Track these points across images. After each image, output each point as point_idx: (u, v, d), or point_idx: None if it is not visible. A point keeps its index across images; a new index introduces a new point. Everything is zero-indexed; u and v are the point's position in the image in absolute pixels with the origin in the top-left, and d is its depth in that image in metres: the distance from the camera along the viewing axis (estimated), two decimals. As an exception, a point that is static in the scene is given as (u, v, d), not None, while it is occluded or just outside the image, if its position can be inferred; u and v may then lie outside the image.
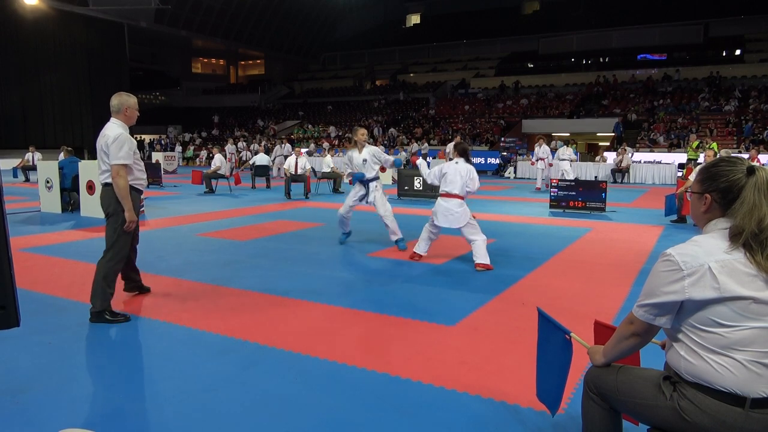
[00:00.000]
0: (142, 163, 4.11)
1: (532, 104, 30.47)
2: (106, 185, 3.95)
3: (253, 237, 7.42)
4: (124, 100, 3.97)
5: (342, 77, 42.72)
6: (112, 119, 4.00)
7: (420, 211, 10.41)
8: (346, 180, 6.63)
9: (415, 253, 5.93)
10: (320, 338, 3.58)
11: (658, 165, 19.41)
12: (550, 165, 15.77)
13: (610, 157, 15.04)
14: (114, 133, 3.88)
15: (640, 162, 19.67)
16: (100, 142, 3.93)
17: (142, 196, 4.20)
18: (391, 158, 6.73)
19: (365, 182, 6.49)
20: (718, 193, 1.61)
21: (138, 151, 4.09)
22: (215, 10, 36.24)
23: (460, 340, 3.55)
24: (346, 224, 6.77)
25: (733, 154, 2.08)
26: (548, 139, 15.45)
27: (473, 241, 5.60)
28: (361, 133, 6.55)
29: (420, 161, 6.32)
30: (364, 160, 6.49)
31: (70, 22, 28.15)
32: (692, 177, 1.93)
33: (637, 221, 9.17)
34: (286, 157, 16.78)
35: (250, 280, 5.04)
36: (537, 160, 15.62)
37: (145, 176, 4.12)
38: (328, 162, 15.04)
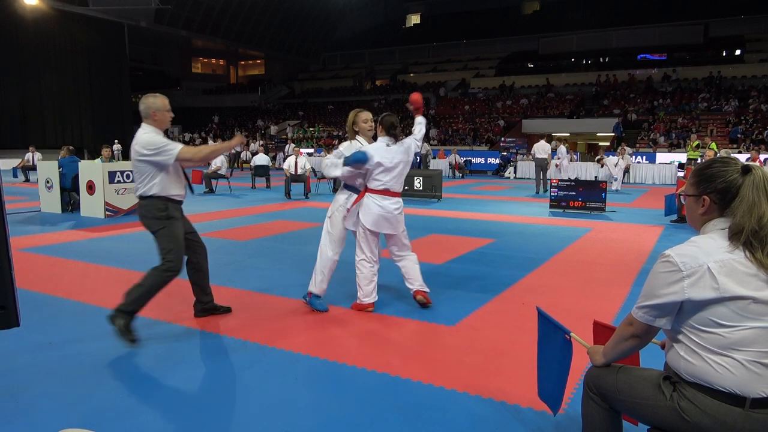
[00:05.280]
0: (179, 172, 3.67)
1: (532, 104, 30.47)
2: (140, 199, 3.59)
3: (253, 237, 7.42)
4: (150, 103, 3.53)
5: (342, 77, 42.72)
6: (142, 125, 3.57)
7: (421, 211, 10.41)
8: (329, 175, 4.22)
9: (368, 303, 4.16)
10: (320, 338, 3.58)
11: (658, 165, 19.42)
12: (556, 165, 15.80)
13: (611, 162, 15.01)
14: (145, 139, 3.47)
15: (637, 161, 19.67)
16: (132, 150, 3.53)
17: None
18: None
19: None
20: (716, 194, 1.61)
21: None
22: (215, 10, 36.23)
23: (460, 340, 3.55)
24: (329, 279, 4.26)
25: (731, 155, 2.08)
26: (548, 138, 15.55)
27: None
28: (363, 119, 4.27)
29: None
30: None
31: (70, 22, 28.17)
32: (690, 179, 1.90)
33: (637, 221, 9.17)
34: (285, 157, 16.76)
35: (250, 280, 5.04)
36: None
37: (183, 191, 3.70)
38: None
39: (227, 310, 4.11)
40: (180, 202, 3.68)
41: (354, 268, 4.20)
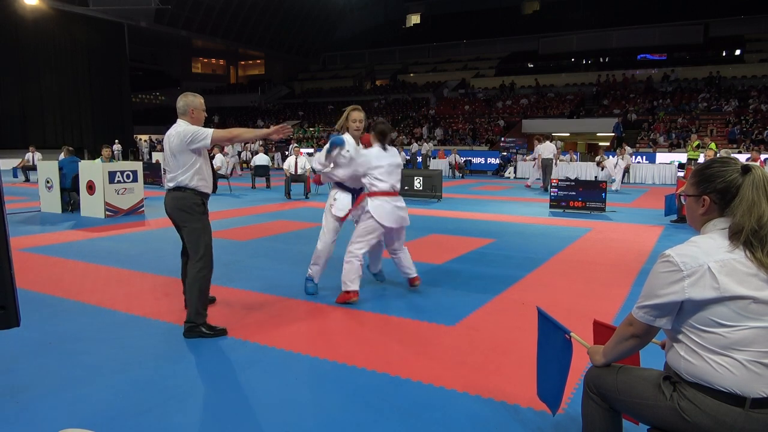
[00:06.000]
0: (209, 165, 3.84)
1: (532, 104, 30.48)
2: (173, 190, 3.67)
3: (253, 237, 7.42)
4: (189, 101, 3.71)
5: (342, 77, 42.73)
6: (179, 120, 3.72)
7: (421, 211, 10.41)
8: (315, 177, 4.74)
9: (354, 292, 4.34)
10: (320, 338, 3.58)
11: (658, 165, 19.43)
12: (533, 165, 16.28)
13: (610, 163, 15.10)
14: (179, 129, 3.63)
15: (637, 161, 19.68)
16: (169, 144, 3.65)
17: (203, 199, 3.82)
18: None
19: (354, 191, 4.57)
20: (716, 194, 1.61)
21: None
22: (215, 10, 36.25)
23: (460, 340, 3.55)
24: (325, 263, 4.62)
25: (731, 155, 2.08)
26: (545, 138, 15.98)
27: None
28: (353, 119, 4.47)
29: (316, 159, 4.59)
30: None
31: (70, 22, 28.19)
32: (690, 179, 1.92)
33: (637, 221, 9.17)
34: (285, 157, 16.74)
35: (250, 280, 5.04)
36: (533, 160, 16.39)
37: (210, 182, 3.82)
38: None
39: (212, 300, 4.25)
40: (209, 196, 3.88)
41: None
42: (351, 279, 4.29)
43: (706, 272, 1.52)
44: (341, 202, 4.50)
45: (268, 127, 3.87)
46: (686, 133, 22.81)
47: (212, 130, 3.65)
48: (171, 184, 3.68)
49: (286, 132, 3.75)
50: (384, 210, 4.28)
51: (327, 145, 4.40)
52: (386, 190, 4.31)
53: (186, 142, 3.57)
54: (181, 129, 3.62)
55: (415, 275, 4.67)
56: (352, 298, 4.30)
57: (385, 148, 4.36)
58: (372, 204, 4.29)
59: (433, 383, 2.88)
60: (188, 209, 3.66)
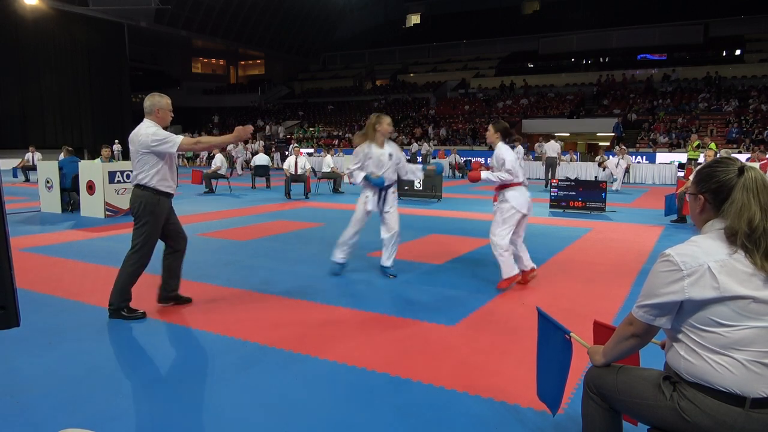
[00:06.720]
0: (174, 167, 4.01)
1: (532, 104, 30.47)
2: (136, 186, 3.87)
3: (253, 237, 7.42)
4: (155, 101, 3.88)
5: (342, 77, 42.70)
6: (145, 120, 3.89)
7: (420, 211, 10.41)
8: (348, 180, 5.20)
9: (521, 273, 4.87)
10: (320, 338, 3.58)
11: (658, 165, 19.43)
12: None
13: (612, 163, 15.17)
14: (149, 131, 3.80)
15: (637, 161, 19.67)
16: (135, 142, 3.81)
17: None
18: (419, 167, 5.52)
19: (384, 188, 5.11)
20: (710, 194, 1.62)
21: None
22: (215, 10, 36.22)
23: (460, 340, 3.55)
24: (349, 251, 5.29)
25: (732, 155, 2.08)
26: (524, 139, 16.92)
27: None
28: (387, 123, 5.09)
29: (486, 174, 4.71)
30: (390, 155, 5.07)
31: (70, 22, 28.16)
32: (692, 177, 1.97)
33: (637, 221, 9.17)
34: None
35: (250, 280, 5.04)
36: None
37: (175, 183, 4.04)
38: (328, 162, 15.07)
39: (188, 300, 4.30)
40: (172, 195, 3.99)
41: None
42: (510, 266, 4.68)
43: (705, 272, 1.52)
44: (372, 201, 5.10)
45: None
46: (686, 133, 22.81)
47: (181, 138, 3.86)
48: (134, 181, 3.89)
49: (247, 131, 3.90)
50: (523, 200, 4.71)
51: (372, 180, 5.01)
52: (521, 182, 4.74)
53: (153, 144, 3.75)
54: (150, 131, 3.79)
55: (531, 266, 4.92)
56: (515, 279, 4.78)
57: (511, 145, 4.91)
58: (510, 194, 4.69)
59: (433, 383, 2.88)
60: (143, 206, 3.83)
